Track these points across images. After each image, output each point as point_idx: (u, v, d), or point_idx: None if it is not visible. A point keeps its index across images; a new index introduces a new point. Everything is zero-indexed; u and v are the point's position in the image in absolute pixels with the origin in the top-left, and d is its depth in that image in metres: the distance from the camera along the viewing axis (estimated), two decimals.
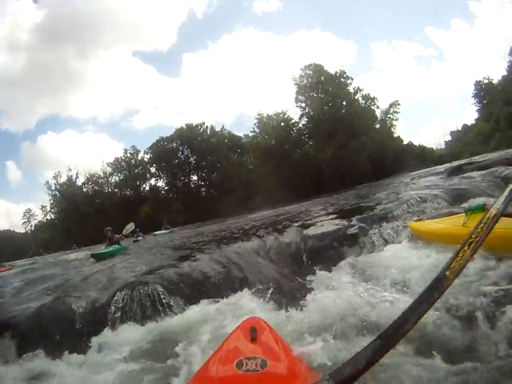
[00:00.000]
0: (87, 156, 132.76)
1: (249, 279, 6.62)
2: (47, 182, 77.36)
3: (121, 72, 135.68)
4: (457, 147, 77.53)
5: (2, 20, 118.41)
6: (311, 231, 9.17)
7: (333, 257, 7.26)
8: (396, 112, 76.70)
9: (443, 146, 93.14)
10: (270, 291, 5.73)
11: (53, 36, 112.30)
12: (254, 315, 4.29)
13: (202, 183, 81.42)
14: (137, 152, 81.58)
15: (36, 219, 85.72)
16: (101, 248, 15.10)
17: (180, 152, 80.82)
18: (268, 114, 76.33)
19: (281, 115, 75.58)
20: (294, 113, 76.65)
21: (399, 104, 77.22)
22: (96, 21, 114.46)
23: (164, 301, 5.65)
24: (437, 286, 2.11)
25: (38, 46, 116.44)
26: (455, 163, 35.43)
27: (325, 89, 71.65)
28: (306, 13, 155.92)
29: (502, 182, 12.48)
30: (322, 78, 72.39)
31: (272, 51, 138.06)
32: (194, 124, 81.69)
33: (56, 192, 75.94)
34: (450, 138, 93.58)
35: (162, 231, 34.83)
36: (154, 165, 79.99)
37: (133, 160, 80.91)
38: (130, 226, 17.81)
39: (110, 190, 78.14)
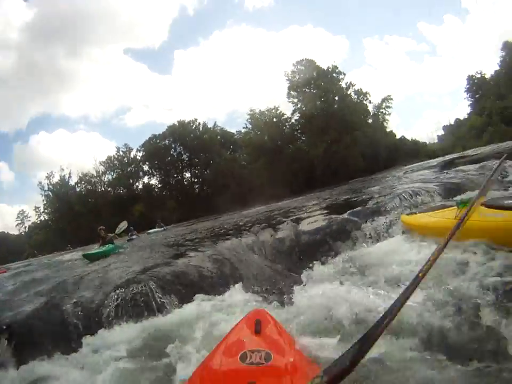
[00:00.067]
0: (80, 155, 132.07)
1: (243, 275, 6.62)
2: (40, 183, 77.13)
3: (112, 70, 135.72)
4: (450, 141, 77.64)
5: None
6: (304, 227, 9.20)
7: (326, 252, 7.26)
8: (389, 107, 77.04)
9: (436, 141, 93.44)
10: (263, 287, 5.77)
11: (43, 34, 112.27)
12: (248, 311, 4.31)
13: (196, 180, 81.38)
14: (130, 150, 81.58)
15: (29, 220, 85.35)
16: (95, 248, 14.96)
17: (173, 150, 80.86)
18: (260, 110, 76.56)
19: (273, 111, 75.76)
20: (287, 108, 77.05)
21: (391, 99, 77.55)
22: (86, 19, 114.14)
23: (158, 299, 5.64)
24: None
25: (28, 45, 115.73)
26: (448, 157, 35.55)
27: (317, 85, 71.59)
28: (299, 9, 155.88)
29: (494, 175, 12.57)
30: (314, 74, 72.29)
31: (264, 47, 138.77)
32: (186, 121, 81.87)
33: (49, 193, 75.67)
34: (443, 133, 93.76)
35: (156, 229, 34.80)
36: (147, 163, 79.98)
37: (125, 159, 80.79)
38: (123, 225, 17.65)
39: (103, 189, 78.03)
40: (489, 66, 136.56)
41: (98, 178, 78.25)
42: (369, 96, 75.52)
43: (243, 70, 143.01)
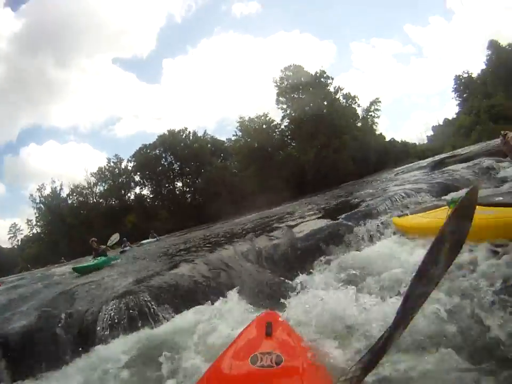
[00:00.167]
0: (70, 166, 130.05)
1: (237, 283, 6.56)
2: (31, 195, 76.42)
3: (101, 80, 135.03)
4: (439, 141, 78.06)
5: None
6: (297, 232, 9.18)
7: (320, 257, 7.19)
8: (377, 109, 77.43)
9: (425, 141, 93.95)
10: (258, 295, 5.77)
11: (32, 45, 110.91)
12: (242, 319, 4.32)
13: (187, 189, 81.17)
14: (121, 161, 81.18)
15: (22, 233, 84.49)
16: (90, 260, 14.82)
17: (163, 159, 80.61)
18: (249, 117, 76.48)
19: (262, 117, 75.79)
20: (276, 115, 76.94)
21: (380, 102, 77.91)
22: (75, 29, 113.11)
23: (152, 310, 5.63)
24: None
25: (17, 55, 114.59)
26: (438, 157, 35.67)
27: (305, 90, 71.77)
28: (285, 15, 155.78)
29: (484, 172, 12.67)
30: (302, 79, 72.55)
31: (252, 54, 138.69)
32: (176, 130, 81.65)
33: (41, 205, 75.19)
34: (432, 133, 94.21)
35: (150, 240, 34.66)
36: (138, 173, 79.63)
37: (116, 169, 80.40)
38: (115, 238, 17.52)
39: (95, 201, 77.56)
40: (476, 65, 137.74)
41: (89, 189, 77.86)
42: (358, 99, 76.01)
43: (232, 77, 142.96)
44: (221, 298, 5.78)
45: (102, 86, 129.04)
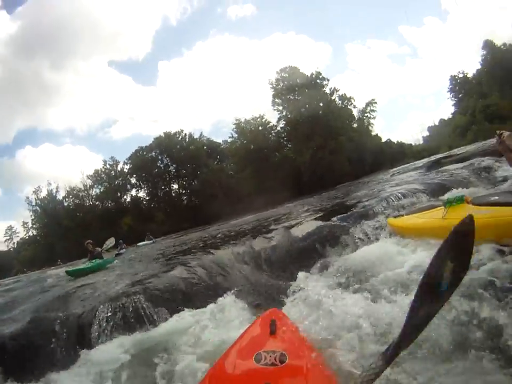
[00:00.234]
0: (67, 169, 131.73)
1: (233, 285, 6.52)
2: (28, 198, 76.50)
3: (97, 82, 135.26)
4: (435, 141, 78.41)
5: None
6: (293, 234, 9.15)
7: (316, 259, 7.20)
8: (373, 110, 77.77)
9: (421, 142, 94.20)
10: (254, 297, 5.74)
11: (27, 47, 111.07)
12: (239, 321, 4.29)
13: (183, 191, 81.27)
14: (117, 163, 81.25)
15: (18, 236, 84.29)
16: (85, 262, 14.67)
17: (159, 161, 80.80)
18: (245, 119, 76.83)
19: (258, 119, 76.03)
20: (272, 116, 77.24)
21: (375, 103, 78.20)
22: (70, 31, 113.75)
23: (148, 312, 5.59)
24: None
25: (12, 58, 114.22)
26: (434, 157, 35.74)
27: (301, 92, 71.96)
28: (281, 16, 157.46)
29: (480, 172, 12.69)
30: (298, 81, 72.81)
31: (247, 56, 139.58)
32: (172, 132, 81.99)
33: (37, 208, 75.15)
34: (428, 134, 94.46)
35: (146, 242, 34.66)
36: (134, 176, 79.71)
37: (112, 172, 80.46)
38: (111, 242, 17.27)
39: (91, 203, 77.57)
40: (471, 65, 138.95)
41: (85, 192, 77.92)
42: (354, 100, 76.42)
43: (227, 79, 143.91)
44: (216, 300, 5.75)
45: (98, 89, 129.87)
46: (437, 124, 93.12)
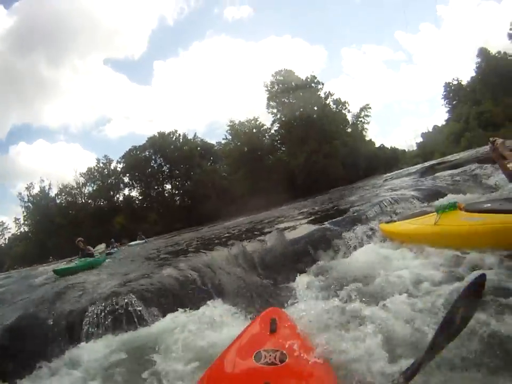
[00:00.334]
0: (60, 166, 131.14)
1: (224, 287, 6.52)
2: (20, 194, 76.12)
3: (92, 80, 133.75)
4: (428, 148, 78.45)
5: None
6: (285, 237, 9.14)
7: (308, 263, 7.17)
8: (367, 115, 77.89)
9: (415, 148, 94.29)
10: (245, 298, 5.74)
11: (24, 43, 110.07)
12: (229, 322, 4.30)
13: (176, 192, 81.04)
14: (110, 161, 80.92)
15: (9, 232, 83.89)
16: (77, 261, 14.55)
17: (153, 161, 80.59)
18: (239, 121, 76.72)
19: (253, 121, 75.94)
20: (266, 119, 77.33)
21: (370, 108, 78.35)
22: (67, 28, 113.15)
23: (138, 312, 5.57)
24: None
25: (8, 53, 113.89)
26: (427, 163, 35.85)
27: (296, 95, 71.90)
28: (277, 19, 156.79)
29: (473, 179, 12.74)
30: (293, 84, 72.72)
31: (243, 57, 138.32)
32: (166, 132, 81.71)
33: (29, 204, 74.81)
34: (421, 140, 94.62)
35: (138, 242, 34.63)
36: (127, 175, 79.44)
37: (105, 170, 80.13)
38: (101, 248, 17.16)
39: (83, 201, 77.17)
40: (465, 73, 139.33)
41: (78, 190, 77.54)
42: (348, 105, 76.48)
43: (222, 81, 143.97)
44: (207, 302, 5.73)
45: (94, 86, 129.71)
46: (430, 130, 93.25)
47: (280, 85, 73.91)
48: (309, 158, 65.82)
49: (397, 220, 7.32)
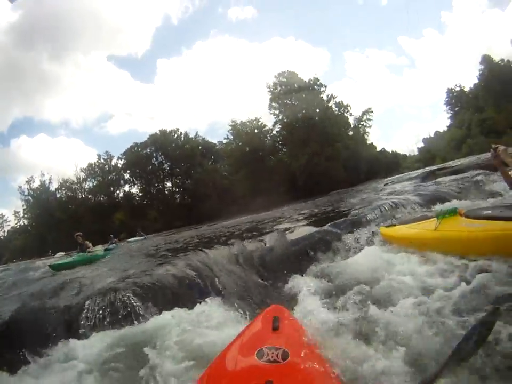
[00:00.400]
0: (60, 161, 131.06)
1: (222, 286, 6.50)
2: (20, 187, 76.34)
3: (95, 76, 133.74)
4: (430, 153, 78.41)
5: None
6: (285, 238, 9.13)
7: (307, 264, 7.11)
8: (369, 119, 77.93)
9: (416, 153, 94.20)
10: (242, 298, 5.74)
11: (27, 37, 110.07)
12: (226, 321, 4.30)
13: (177, 190, 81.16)
14: (111, 158, 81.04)
15: (9, 225, 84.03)
16: (75, 255, 14.53)
17: (154, 158, 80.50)
18: (241, 121, 76.84)
19: (255, 122, 76.09)
20: (268, 120, 77.27)
21: (372, 112, 78.39)
22: (71, 24, 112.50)
23: (136, 308, 5.57)
24: None
25: (12, 46, 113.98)
26: (428, 168, 35.82)
27: (298, 97, 72.01)
28: (281, 21, 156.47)
29: (474, 185, 12.74)
30: (296, 85, 72.81)
31: (246, 58, 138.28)
32: (168, 130, 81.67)
33: (29, 198, 74.98)
34: (423, 145, 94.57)
35: (137, 238, 34.76)
36: (128, 171, 79.45)
37: (106, 166, 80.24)
38: (98, 249, 17.19)
39: (83, 196, 77.37)
40: (468, 79, 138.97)
41: (78, 185, 77.76)
42: (350, 108, 76.47)
43: (225, 80, 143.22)
44: (205, 300, 5.73)
45: (96, 83, 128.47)
46: (432, 135, 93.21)
47: (283, 86, 73.93)
48: (310, 160, 65.87)
49: (397, 224, 7.29)
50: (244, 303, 5.61)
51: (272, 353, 2.42)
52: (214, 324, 4.59)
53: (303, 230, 9.56)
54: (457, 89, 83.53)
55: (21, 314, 5.77)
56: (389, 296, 4.27)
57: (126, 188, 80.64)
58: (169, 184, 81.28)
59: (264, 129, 76.35)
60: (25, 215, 76.90)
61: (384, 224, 8.42)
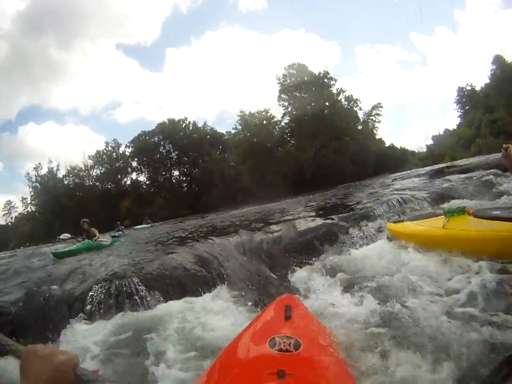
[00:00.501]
0: (68, 148, 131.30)
1: (227, 275, 6.52)
2: (28, 174, 76.09)
3: (104, 64, 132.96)
4: (439, 150, 78.07)
5: None
6: (291, 229, 9.14)
7: (313, 256, 7.19)
8: (378, 114, 77.34)
9: (425, 150, 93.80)
10: (247, 289, 5.77)
11: (35, 24, 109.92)
12: (231, 311, 4.34)
13: (184, 179, 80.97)
14: (119, 145, 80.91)
15: (16, 211, 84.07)
16: (79, 242, 14.53)
17: (162, 147, 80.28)
18: (250, 112, 76.29)
19: (263, 113, 75.54)
20: (277, 111, 76.72)
21: (381, 107, 77.77)
22: (80, 11, 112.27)
23: (141, 294, 5.60)
24: None
25: (20, 34, 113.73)
26: (437, 166, 35.68)
27: (308, 89, 71.59)
28: (291, 13, 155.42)
29: (483, 185, 12.71)
30: (305, 78, 72.34)
31: (256, 49, 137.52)
32: (176, 119, 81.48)
33: (37, 184, 74.82)
34: (432, 142, 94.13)
35: (143, 226, 34.84)
36: (135, 159, 79.31)
37: (114, 154, 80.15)
38: (106, 239, 17.18)
39: (91, 183, 77.36)
40: (479, 79, 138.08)
41: (86, 172, 77.61)
42: (360, 103, 75.82)
43: (234, 71, 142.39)
44: (210, 288, 5.81)
45: (104, 71, 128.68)
46: (441, 133, 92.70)
47: (293, 79, 73.51)
48: (318, 153, 65.64)
49: (405, 220, 7.30)
50: (250, 294, 5.64)
51: (285, 342, 2.41)
52: (220, 314, 4.65)
53: (310, 222, 9.57)
54: (468, 88, 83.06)
55: (27, 299, 5.82)
56: (402, 291, 4.30)
57: (134, 175, 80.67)
58: (176, 172, 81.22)
59: (272, 120, 75.86)
60: (33, 202, 76.85)
61: (391, 219, 8.44)
